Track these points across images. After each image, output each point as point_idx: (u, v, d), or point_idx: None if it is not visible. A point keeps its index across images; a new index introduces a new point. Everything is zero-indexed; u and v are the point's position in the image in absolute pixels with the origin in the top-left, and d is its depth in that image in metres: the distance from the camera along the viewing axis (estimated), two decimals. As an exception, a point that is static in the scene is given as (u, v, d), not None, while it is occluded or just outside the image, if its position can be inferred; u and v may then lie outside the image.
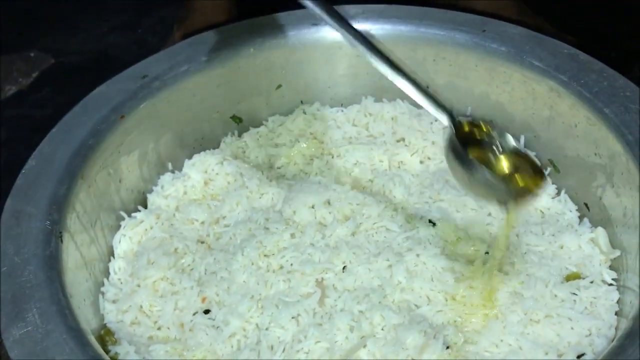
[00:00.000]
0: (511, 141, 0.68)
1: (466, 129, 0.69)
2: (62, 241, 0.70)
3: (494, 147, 0.67)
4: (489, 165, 0.66)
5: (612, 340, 0.69)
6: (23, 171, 0.76)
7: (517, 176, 0.66)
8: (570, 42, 1.18)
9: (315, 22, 0.95)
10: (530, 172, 0.67)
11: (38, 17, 1.49)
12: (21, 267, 0.67)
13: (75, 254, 0.73)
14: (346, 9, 0.95)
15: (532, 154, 0.88)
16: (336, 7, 0.95)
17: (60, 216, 0.72)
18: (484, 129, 0.69)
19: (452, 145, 0.67)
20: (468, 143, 0.67)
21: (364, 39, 0.68)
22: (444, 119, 0.68)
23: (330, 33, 0.95)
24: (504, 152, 0.67)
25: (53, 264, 0.67)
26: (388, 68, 0.68)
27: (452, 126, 0.68)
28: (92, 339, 0.64)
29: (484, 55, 0.90)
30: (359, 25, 0.93)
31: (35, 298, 0.64)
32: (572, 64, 0.84)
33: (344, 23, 0.69)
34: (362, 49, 0.68)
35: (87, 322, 0.69)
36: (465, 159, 0.66)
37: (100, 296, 0.78)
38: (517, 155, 0.67)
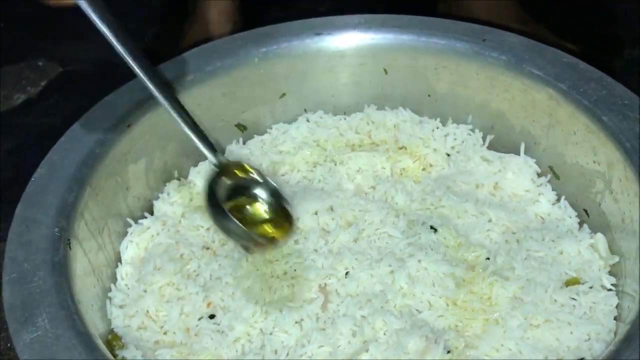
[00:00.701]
0: (272, 185, 0.70)
1: (232, 169, 0.71)
2: (70, 248, 0.71)
3: (255, 190, 0.70)
4: (244, 210, 0.69)
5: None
6: (32, 179, 0.78)
7: (266, 226, 0.70)
8: (571, 50, 1.20)
9: (319, 31, 0.97)
10: (283, 218, 0.70)
11: (46, 27, 1.51)
12: (31, 273, 0.69)
13: (83, 261, 0.75)
14: (348, 19, 0.97)
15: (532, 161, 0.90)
16: (339, 17, 0.98)
17: (69, 223, 0.73)
18: (248, 172, 0.71)
19: (211, 186, 0.69)
20: (230, 183, 0.70)
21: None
22: (211, 158, 0.70)
23: (332, 43, 0.97)
24: (263, 197, 0.70)
25: (62, 270, 0.68)
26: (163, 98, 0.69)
27: (215, 166, 0.69)
28: (100, 344, 0.65)
29: (484, 64, 0.91)
30: (360, 35, 0.96)
31: (44, 303, 0.66)
32: (571, 72, 0.85)
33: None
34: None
35: (95, 327, 0.70)
36: (217, 205, 0.68)
37: (108, 301, 0.80)
38: (275, 201, 0.70)
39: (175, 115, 0.69)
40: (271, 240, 0.69)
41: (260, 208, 0.70)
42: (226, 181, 0.70)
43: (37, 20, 1.53)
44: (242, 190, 0.71)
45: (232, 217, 0.66)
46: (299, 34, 0.97)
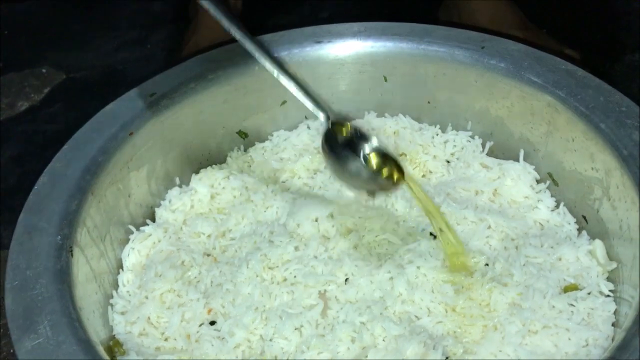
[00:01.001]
0: (375, 142, 0.75)
1: (341, 127, 0.76)
2: (72, 255, 0.72)
3: (363, 145, 0.75)
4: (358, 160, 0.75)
5: (609, 351, 0.71)
6: (36, 187, 0.78)
7: (383, 170, 0.75)
8: (572, 55, 1.21)
9: (319, 39, 0.98)
10: (394, 167, 0.75)
11: (49, 34, 1.53)
12: (33, 280, 0.69)
13: (85, 268, 0.75)
14: (348, 27, 0.98)
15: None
16: (339, 25, 0.99)
17: (71, 231, 0.74)
18: (354, 130, 0.76)
19: (329, 139, 0.75)
20: (342, 140, 0.75)
21: (254, 40, 0.76)
22: (320, 116, 0.75)
23: (332, 50, 0.98)
24: (372, 150, 0.75)
25: (64, 278, 0.69)
26: (273, 67, 0.76)
27: (328, 122, 0.75)
28: (101, 350, 0.66)
29: (483, 71, 0.92)
30: (360, 43, 0.97)
31: (46, 311, 0.67)
32: (569, 79, 0.86)
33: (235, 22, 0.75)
34: (249, 46, 0.75)
35: (97, 334, 0.71)
36: (340, 152, 0.74)
37: (110, 308, 0.80)
38: (382, 155, 0.75)
39: (288, 82, 0.76)
40: (392, 183, 0.75)
41: (372, 160, 0.75)
42: (339, 136, 0.75)
43: (41, 28, 1.55)
44: (352, 145, 0.75)
45: (359, 158, 0.73)
46: (300, 42, 0.98)
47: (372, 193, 0.77)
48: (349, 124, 0.76)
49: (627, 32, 1.33)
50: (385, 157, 0.75)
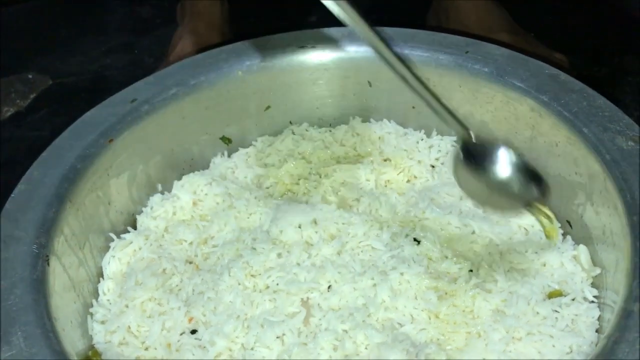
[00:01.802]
0: (514, 155, 0.72)
1: (475, 143, 0.73)
2: (49, 264, 0.71)
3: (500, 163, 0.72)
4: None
5: (592, 358, 0.70)
6: (12, 195, 0.77)
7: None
8: (560, 59, 1.21)
9: (302, 45, 0.97)
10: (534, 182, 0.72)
11: (36, 39, 1.52)
12: (7, 291, 0.68)
13: (62, 277, 0.74)
14: (332, 32, 0.98)
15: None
16: (322, 30, 0.99)
17: (48, 240, 0.73)
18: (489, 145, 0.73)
19: (466, 158, 0.72)
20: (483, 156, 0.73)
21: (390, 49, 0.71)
22: (458, 130, 0.72)
23: (316, 55, 0.97)
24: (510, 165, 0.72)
25: (39, 288, 0.68)
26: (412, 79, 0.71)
27: (463, 141, 0.72)
28: (75, 361, 0.65)
29: (467, 76, 0.91)
30: (344, 48, 0.97)
31: (20, 322, 0.66)
32: (553, 84, 0.86)
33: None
34: (388, 55, 0.70)
35: (73, 344, 0.70)
36: (481, 170, 0.71)
37: (89, 317, 0.79)
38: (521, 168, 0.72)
39: (423, 94, 0.72)
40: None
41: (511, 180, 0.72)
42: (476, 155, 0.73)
43: (28, 33, 1.54)
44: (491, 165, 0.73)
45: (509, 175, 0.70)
46: (283, 47, 0.97)
47: (528, 205, 0.73)
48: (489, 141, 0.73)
49: (614, 36, 1.33)
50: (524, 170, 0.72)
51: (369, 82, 0.98)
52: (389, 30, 0.97)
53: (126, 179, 0.88)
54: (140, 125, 0.88)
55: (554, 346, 0.73)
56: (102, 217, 0.85)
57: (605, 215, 0.76)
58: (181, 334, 0.78)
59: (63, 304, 0.72)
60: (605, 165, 0.75)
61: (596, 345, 0.72)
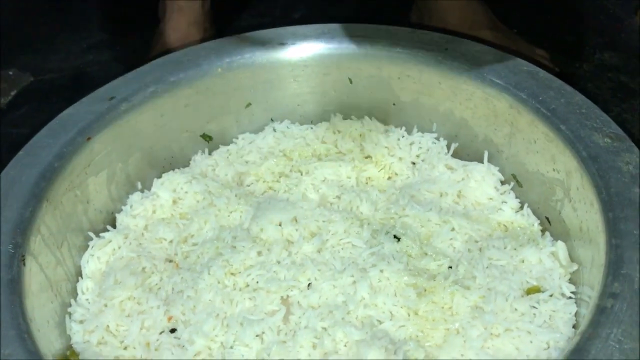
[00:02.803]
0: None
1: None
2: (24, 264, 0.71)
3: None
4: None
5: (568, 353, 0.70)
6: (-12, 195, 0.77)
7: None
8: (542, 55, 1.21)
9: (282, 41, 0.97)
10: None
11: (17, 36, 1.50)
12: (-18, 292, 0.68)
13: (39, 276, 0.74)
14: (312, 29, 0.97)
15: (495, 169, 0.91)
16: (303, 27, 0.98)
17: (24, 239, 0.73)
18: None
19: None
20: None
21: None
22: None
23: (296, 52, 0.97)
24: None
25: (14, 288, 0.68)
26: None
27: None
28: (50, 362, 0.65)
29: (446, 72, 0.91)
30: (324, 45, 0.96)
31: (-6, 323, 0.65)
32: (531, 81, 0.86)
33: None
34: None
35: (50, 344, 0.70)
36: None
37: (67, 317, 0.79)
38: None
39: None
40: None
41: None
42: None
43: (10, 30, 1.52)
44: None
45: None
46: (263, 44, 0.97)
47: None
48: None
49: (596, 32, 1.34)
50: None
51: (349, 79, 0.98)
52: (369, 28, 0.97)
53: (105, 177, 0.87)
54: (119, 123, 0.88)
55: (531, 342, 0.73)
56: (80, 215, 0.84)
57: (582, 211, 0.76)
58: (160, 333, 0.78)
59: (39, 304, 0.72)
60: (582, 161, 0.75)
61: (573, 340, 0.73)
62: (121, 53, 1.44)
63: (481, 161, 0.92)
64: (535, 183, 0.86)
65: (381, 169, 0.95)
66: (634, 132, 1.07)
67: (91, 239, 0.86)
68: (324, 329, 0.75)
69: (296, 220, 0.87)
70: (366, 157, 0.97)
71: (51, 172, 0.79)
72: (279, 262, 0.82)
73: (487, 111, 0.89)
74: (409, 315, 0.77)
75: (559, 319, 0.75)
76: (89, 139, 0.84)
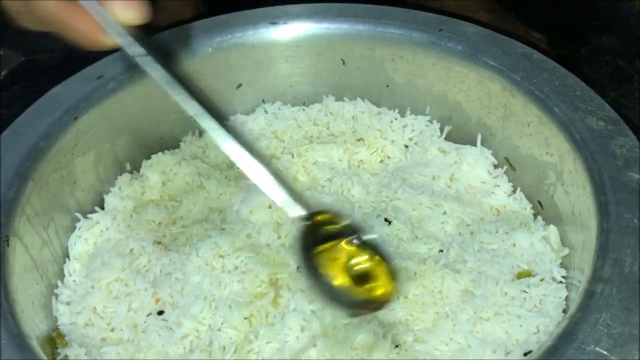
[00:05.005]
0: (369, 237, 0.62)
1: (321, 221, 0.63)
2: (8, 245, 0.70)
3: (349, 245, 0.62)
4: (337, 267, 0.61)
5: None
6: (-28, 175, 0.76)
7: (366, 287, 0.62)
8: (539, 39, 1.20)
9: (274, 21, 0.95)
10: (384, 276, 0.62)
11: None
12: (-35, 273, 0.67)
13: (24, 257, 0.73)
14: (304, 8, 0.96)
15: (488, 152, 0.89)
16: (295, 6, 0.97)
17: (8, 219, 0.71)
18: (341, 224, 0.64)
19: (304, 243, 0.63)
20: (320, 237, 0.63)
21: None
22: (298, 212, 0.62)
23: (288, 32, 0.95)
24: (358, 252, 0.62)
25: (-3, 269, 0.67)
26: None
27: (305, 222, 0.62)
28: (34, 344, 0.64)
29: (440, 54, 0.90)
30: (316, 25, 0.95)
31: (-23, 304, 0.65)
32: (525, 63, 0.84)
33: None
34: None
35: (35, 326, 0.69)
36: (311, 266, 0.62)
37: (54, 298, 0.78)
38: (375, 258, 0.62)
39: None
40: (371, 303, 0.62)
41: (354, 266, 0.62)
42: (316, 235, 0.63)
43: (0, 9, 1.50)
44: (334, 241, 0.63)
45: (329, 283, 0.60)
46: (254, 23, 0.95)
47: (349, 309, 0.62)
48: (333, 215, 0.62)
49: (593, 15, 1.32)
50: (378, 262, 0.61)
51: (342, 59, 0.97)
52: (362, 7, 0.95)
53: (92, 157, 0.86)
54: (107, 102, 0.86)
55: (521, 326, 0.73)
56: (67, 196, 0.83)
57: (574, 195, 0.76)
58: (148, 315, 0.77)
59: (24, 285, 0.71)
60: (575, 145, 0.74)
61: (563, 325, 0.72)
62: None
63: (474, 144, 0.91)
64: (528, 166, 0.85)
65: (373, 152, 0.94)
66: (630, 116, 1.06)
67: (78, 220, 0.85)
68: (313, 311, 0.75)
69: (286, 203, 0.86)
70: (358, 140, 0.96)
71: (37, 152, 0.78)
72: (268, 245, 0.82)
73: (480, 93, 0.88)
74: (398, 299, 0.76)
75: (549, 304, 0.74)
76: (75, 118, 0.82)
